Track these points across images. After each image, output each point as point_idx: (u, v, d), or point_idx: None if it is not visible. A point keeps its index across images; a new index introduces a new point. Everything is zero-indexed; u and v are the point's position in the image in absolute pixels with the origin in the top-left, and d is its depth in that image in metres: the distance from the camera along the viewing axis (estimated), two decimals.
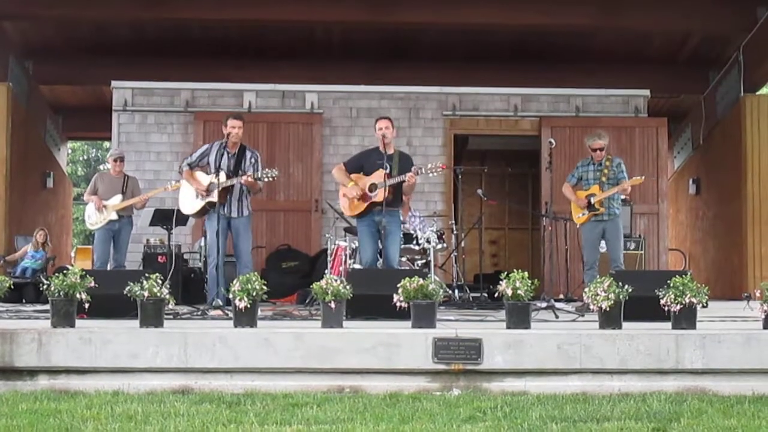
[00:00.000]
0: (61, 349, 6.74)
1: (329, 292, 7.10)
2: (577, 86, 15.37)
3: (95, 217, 11.47)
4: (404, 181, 9.44)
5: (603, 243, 10.39)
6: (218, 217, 9.43)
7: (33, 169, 17.12)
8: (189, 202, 9.94)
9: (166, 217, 11.60)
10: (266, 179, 9.67)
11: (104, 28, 16.27)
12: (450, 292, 11.44)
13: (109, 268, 11.49)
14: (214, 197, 9.56)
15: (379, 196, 9.39)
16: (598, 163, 10.36)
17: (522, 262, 17.26)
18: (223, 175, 9.53)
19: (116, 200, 11.49)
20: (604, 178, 10.29)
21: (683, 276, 7.21)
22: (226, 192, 9.59)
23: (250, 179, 9.58)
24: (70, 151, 31.68)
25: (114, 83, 14.86)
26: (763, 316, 7.19)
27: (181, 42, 16.30)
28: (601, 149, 10.37)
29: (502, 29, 15.73)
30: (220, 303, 9.02)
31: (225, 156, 9.73)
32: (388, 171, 9.37)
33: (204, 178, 9.76)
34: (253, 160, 9.85)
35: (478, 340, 6.77)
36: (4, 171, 14.88)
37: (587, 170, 10.42)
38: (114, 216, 11.44)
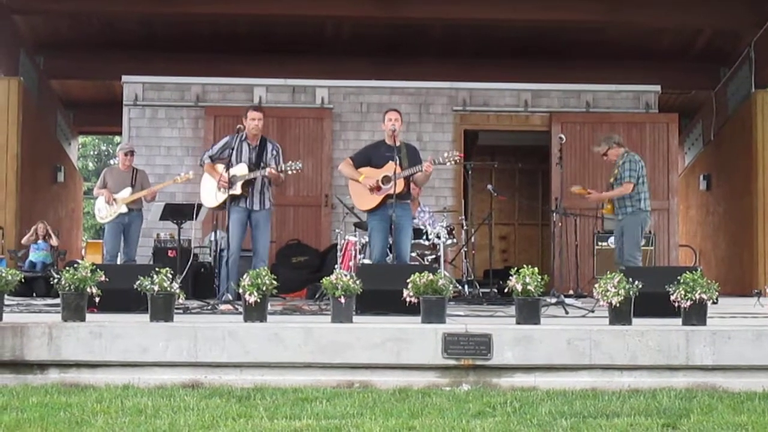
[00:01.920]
0: (72, 342, 6.76)
1: (339, 287, 7.11)
2: (587, 82, 15.32)
3: (105, 210, 11.49)
4: (418, 173, 9.41)
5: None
6: (228, 209, 9.34)
7: (44, 163, 17.17)
8: (212, 195, 9.74)
9: (176, 212, 11.59)
10: (290, 172, 9.60)
11: (115, 22, 16.31)
12: (460, 287, 11.45)
13: (119, 261, 11.51)
14: (236, 190, 9.46)
15: (396, 187, 9.31)
16: (614, 164, 10.44)
17: (532, 257, 17.28)
18: (243, 167, 9.47)
19: (126, 193, 11.51)
20: (612, 179, 10.38)
21: (693, 272, 7.21)
22: (248, 184, 9.53)
23: (273, 172, 9.53)
24: (80, 146, 31.74)
25: (124, 78, 14.88)
26: None
27: (191, 37, 16.32)
28: (604, 155, 10.50)
29: (512, 25, 15.71)
30: (230, 297, 9.02)
31: (247, 148, 9.66)
32: (398, 163, 9.32)
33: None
34: (274, 152, 9.76)
35: (487, 335, 6.77)
36: (15, 166, 14.92)
37: (612, 173, 10.54)
38: (124, 209, 11.46)
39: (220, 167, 9.65)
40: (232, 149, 9.57)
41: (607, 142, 10.47)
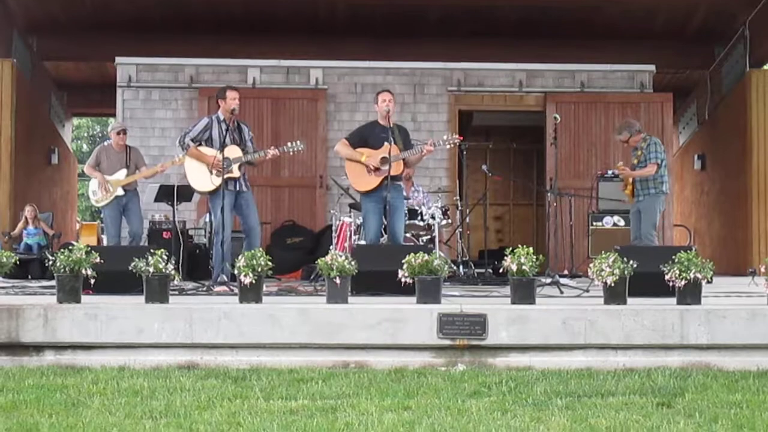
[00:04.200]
0: (67, 324, 6.77)
1: (334, 267, 7.12)
2: (582, 62, 15.30)
3: (101, 194, 11.42)
4: (415, 154, 9.41)
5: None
6: (223, 193, 9.25)
7: (38, 145, 17.11)
8: (204, 179, 9.46)
9: (171, 193, 11.55)
10: (292, 152, 9.70)
11: (108, 3, 16.18)
12: (455, 267, 11.45)
13: (126, 242, 11.48)
14: (234, 173, 9.35)
15: (394, 169, 9.29)
16: (635, 149, 10.63)
17: (527, 238, 17.27)
18: (236, 149, 9.40)
19: (121, 175, 11.42)
20: (635, 161, 10.57)
21: (688, 251, 7.22)
22: (241, 166, 9.51)
23: (277, 152, 9.54)
24: (74, 128, 31.61)
25: (118, 59, 14.82)
26: None
27: (185, 18, 16.23)
28: (625, 142, 10.74)
29: (507, 4, 15.66)
30: (225, 279, 9.01)
31: (227, 130, 9.54)
32: (393, 144, 9.30)
33: (213, 154, 9.46)
34: (251, 134, 9.76)
35: (482, 315, 6.79)
36: (9, 148, 14.87)
37: (632, 156, 10.72)
38: (120, 192, 11.38)
39: (207, 150, 9.54)
40: (211, 131, 9.52)
41: (629, 130, 10.69)
